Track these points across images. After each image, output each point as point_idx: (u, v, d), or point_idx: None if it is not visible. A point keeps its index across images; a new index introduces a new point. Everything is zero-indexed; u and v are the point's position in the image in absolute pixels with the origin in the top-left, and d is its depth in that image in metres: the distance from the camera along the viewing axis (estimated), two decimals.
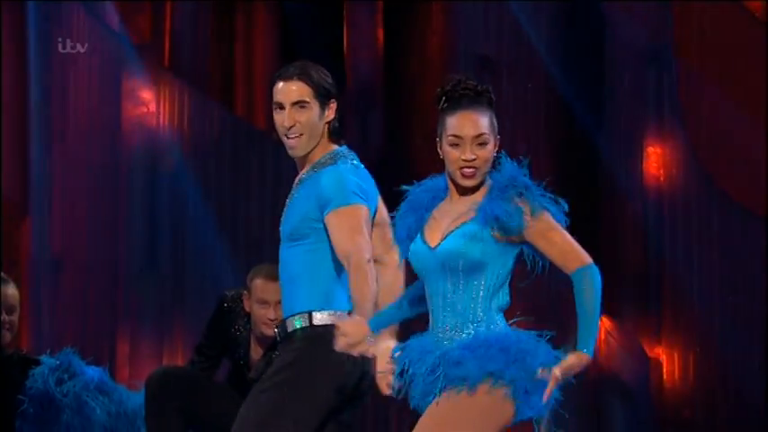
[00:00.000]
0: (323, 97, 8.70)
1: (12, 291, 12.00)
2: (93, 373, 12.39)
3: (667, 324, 15.38)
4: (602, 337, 14.47)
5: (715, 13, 16.32)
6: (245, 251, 12.86)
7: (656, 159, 15.65)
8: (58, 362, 12.29)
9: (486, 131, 7.66)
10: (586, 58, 15.80)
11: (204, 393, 12.30)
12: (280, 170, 15.47)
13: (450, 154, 7.61)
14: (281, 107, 8.56)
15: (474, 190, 7.74)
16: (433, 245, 7.73)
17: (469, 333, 7.73)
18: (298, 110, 8.60)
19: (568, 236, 7.84)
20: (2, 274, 12.22)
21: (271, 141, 15.75)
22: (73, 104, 15.87)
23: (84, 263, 15.67)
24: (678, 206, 15.79)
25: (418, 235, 7.89)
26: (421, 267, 7.78)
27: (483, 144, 7.63)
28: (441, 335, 7.78)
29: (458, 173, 7.65)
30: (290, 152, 8.72)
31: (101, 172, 15.96)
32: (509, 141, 15.37)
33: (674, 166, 15.74)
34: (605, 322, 14.48)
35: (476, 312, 7.77)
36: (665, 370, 15.44)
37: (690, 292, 15.90)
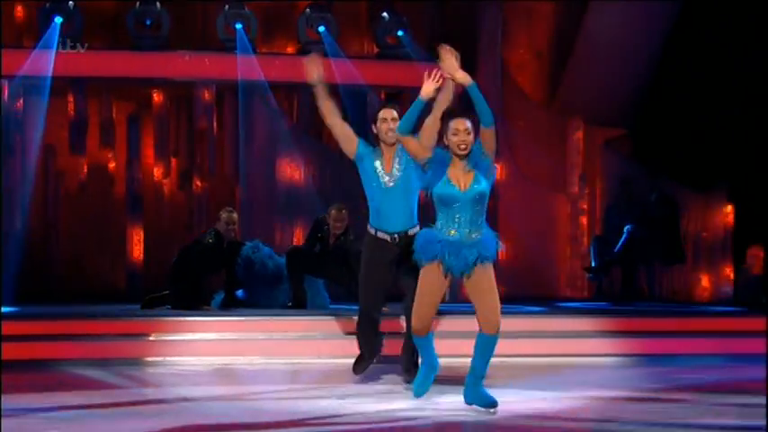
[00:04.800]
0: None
1: (235, 214, 11.80)
2: (267, 249, 12.29)
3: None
4: None
5: (520, 101, 15.41)
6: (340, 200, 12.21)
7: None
8: (252, 244, 12.23)
9: (470, 128, 6.60)
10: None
11: (309, 257, 11.60)
12: (340, 167, 13.95)
13: (452, 140, 6.60)
14: (386, 120, 7.48)
15: (464, 158, 6.60)
16: (462, 189, 6.57)
17: (480, 234, 6.62)
18: (394, 122, 7.39)
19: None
20: (231, 207, 12.06)
21: (337, 154, 14.56)
22: (257, 134, 14.58)
23: (267, 202, 14.55)
24: (506, 180, 14.82)
25: (445, 182, 6.62)
26: (450, 200, 6.60)
27: (469, 134, 6.60)
28: (465, 237, 6.58)
29: (457, 150, 6.58)
30: (390, 139, 7.52)
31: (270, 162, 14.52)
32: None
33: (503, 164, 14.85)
34: None
35: (483, 223, 6.66)
36: None
37: (509, 212, 14.78)
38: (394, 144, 7.54)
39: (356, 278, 11.37)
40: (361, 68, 14.61)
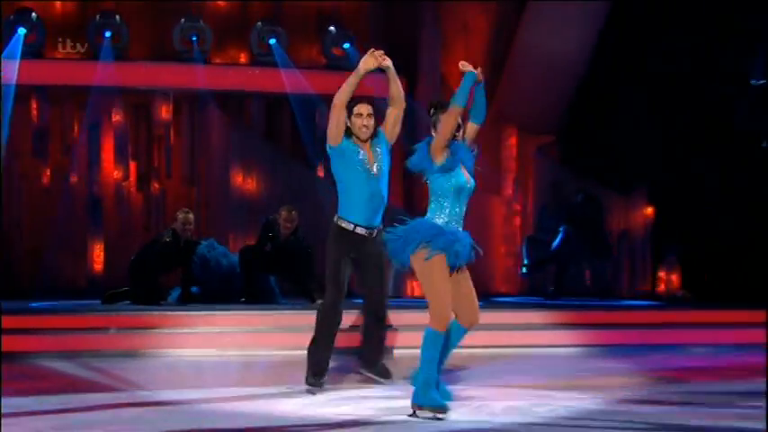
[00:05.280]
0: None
1: (191, 215, 11.86)
2: (221, 247, 12.24)
3: None
4: None
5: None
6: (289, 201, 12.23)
7: None
8: (207, 243, 12.13)
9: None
10: None
11: (261, 255, 11.61)
12: (290, 170, 14.22)
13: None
14: (361, 116, 7.02)
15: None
16: (467, 181, 6.14)
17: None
18: (369, 118, 7.02)
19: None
20: (187, 209, 12.06)
21: (287, 158, 14.65)
22: (212, 139, 14.65)
23: (221, 204, 14.53)
24: None
25: (460, 171, 6.11)
26: (461, 191, 6.08)
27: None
28: (460, 228, 6.11)
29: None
30: (363, 135, 7.03)
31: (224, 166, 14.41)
32: None
33: None
34: None
35: None
36: None
37: None
38: (368, 140, 7.12)
39: (304, 274, 11.47)
40: (309, 78, 14.73)
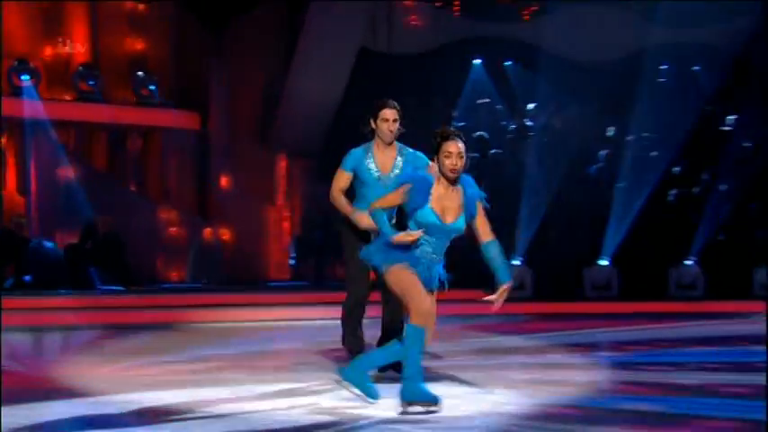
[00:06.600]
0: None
1: (24, 219, 12.11)
2: (50, 244, 12.05)
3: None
4: None
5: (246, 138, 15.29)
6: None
7: None
8: (38, 240, 11.99)
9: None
10: None
11: (83, 251, 11.48)
12: (106, 184, 13.75)
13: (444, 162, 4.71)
14: (387, 120, 5.73)
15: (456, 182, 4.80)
16: (449, 221, 4.81)
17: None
18: (395, 123, 5.67)
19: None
20: (20, 212, 11.92)
21: (104, 173, 14.11)
22: (42, 159, 13.77)
23: (49, 209, 13.61)
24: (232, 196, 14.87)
25: (429, 208, 4.75)
26: (433, 230, 4.79)
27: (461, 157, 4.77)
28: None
29: (449, 173, 4.74)
30: (387, 139, 5.74)
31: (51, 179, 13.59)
32: None
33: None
34: None
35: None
36: None
37: (236, 219, 14.78)
38: (392, 143, 5.80)
39: (118, 266, 11.29)
40: (122, 112, 14.43)
